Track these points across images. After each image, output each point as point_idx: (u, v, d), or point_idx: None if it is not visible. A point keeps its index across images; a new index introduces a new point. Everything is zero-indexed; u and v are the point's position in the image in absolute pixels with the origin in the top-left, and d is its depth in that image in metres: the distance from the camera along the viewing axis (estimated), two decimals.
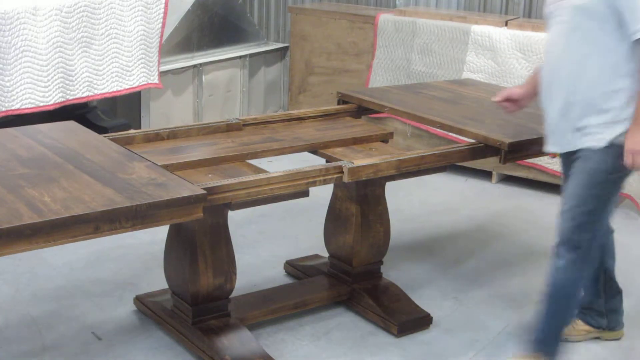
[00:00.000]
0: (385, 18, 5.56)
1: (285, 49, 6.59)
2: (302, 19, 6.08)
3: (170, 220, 2.48)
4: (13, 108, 4.14)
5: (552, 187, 5.10)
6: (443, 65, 5.30)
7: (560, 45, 2.88)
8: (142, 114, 5.34)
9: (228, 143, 3.27)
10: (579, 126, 2.85)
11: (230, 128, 3.45)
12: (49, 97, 4.27)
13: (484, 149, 3.25)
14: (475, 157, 3.29)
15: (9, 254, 2.21)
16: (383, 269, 3.60)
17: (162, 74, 5.10)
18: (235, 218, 3.21)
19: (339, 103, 3.88)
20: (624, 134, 2.79)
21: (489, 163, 4.98)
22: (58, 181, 2.51)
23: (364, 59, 5.76)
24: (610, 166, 2.83)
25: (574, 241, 2.88)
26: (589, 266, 2.98)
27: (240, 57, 6.09)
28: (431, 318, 3.41)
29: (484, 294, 3.73)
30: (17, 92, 4.14)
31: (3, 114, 4.11)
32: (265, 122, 3.55)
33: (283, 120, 3.61)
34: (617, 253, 4.25)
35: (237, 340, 3.07)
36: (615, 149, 2.80)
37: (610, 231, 3.25)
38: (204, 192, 2.50)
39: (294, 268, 3.80)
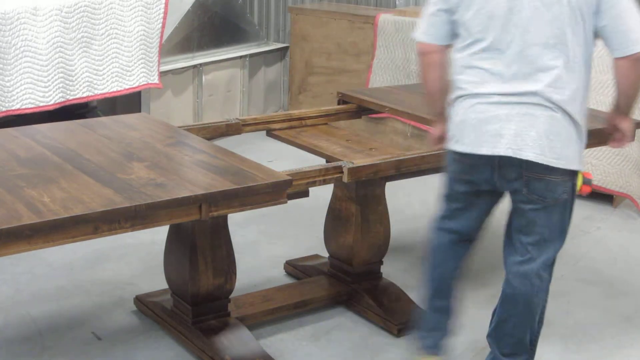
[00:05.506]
0: (385, 18, 5.55)
1: (285, 49, 6.59)
2: (302, 19, 6.08)
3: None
4: (13, 108, 4.14)
5: None
6: None
7: None
8: None
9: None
10: None
11: (230, 128, 3.45)
12: (49, 97, 4.27)
13: None
14: None
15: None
16: (383, 269, 3.60)
17: (162, 74, 5.10)
18: (235, 218, 3.21)
19: (339, 103, 3.89)
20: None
21: None
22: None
23: (364, 59, 5.75)
24: None
25: None
26: None
27: (240, 57, 6.09)
28: None
29: (484, 294, 3.73)
30: (17, 92, 4.14)
31: (3, 114, 4.11)
32: (265, 122, 3.55)
33: (283, 121, 3.61)
34: (617, 253, 4.26)
35: (237, 340, 3.07)
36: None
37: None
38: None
39: (294, 268, 3.80)
